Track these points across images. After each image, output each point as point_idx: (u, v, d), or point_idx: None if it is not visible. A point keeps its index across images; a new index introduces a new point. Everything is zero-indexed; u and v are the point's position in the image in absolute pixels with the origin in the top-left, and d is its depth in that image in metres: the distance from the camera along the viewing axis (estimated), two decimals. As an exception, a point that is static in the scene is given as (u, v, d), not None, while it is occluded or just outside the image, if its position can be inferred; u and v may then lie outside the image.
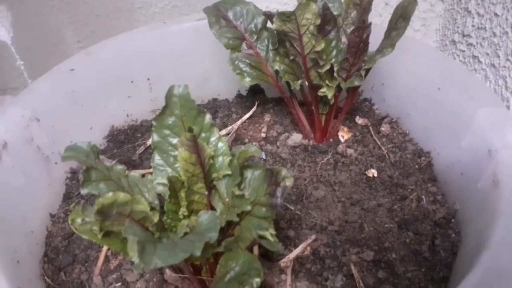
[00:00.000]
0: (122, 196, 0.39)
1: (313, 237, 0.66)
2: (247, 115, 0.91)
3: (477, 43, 0.80)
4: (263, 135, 0.87)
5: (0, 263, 0.51)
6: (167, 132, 0.51)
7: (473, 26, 0.81)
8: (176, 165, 0.53)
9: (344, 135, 0.83)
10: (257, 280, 0.43)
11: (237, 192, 0.47)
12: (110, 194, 0.38)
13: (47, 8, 1.14)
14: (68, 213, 0.75)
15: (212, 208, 0.54)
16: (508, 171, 0.56)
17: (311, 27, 0.63)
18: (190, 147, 0.45)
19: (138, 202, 0.40)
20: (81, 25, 1.17)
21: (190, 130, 0.43)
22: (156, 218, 0.42)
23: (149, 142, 0.87)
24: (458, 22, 0.86)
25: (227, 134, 0.88)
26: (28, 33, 1.15)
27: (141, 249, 0.36)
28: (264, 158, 0.82)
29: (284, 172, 0.45)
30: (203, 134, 0.52)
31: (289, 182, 0.45)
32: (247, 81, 0.77)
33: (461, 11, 0.85)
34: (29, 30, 1.15)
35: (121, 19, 1.18)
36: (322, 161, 0.79)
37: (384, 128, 0.84)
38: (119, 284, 0.63)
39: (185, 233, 0.46)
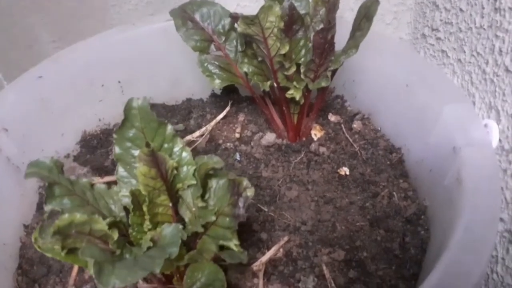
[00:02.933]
0: (78, 217, 0.39)
1: (285, 238, 0.67)
2: (221, 116, 0.91)
3: (445, 37, 0.80)
4: (237, 135, 0.87)
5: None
6: (128, 144, 0.51)
7: (441, 20, 0.81)
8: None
9: (316, 133, 0.84)
10: (221, 291, 0.44)
11: (200, 204, 0.47)
12: (66, 215, 0.38)
13: (19, 8, 1.12)
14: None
15: (180, 218, 0.54)
16: (470, 169, 0.57)
17: (275, 30, 0.63)
18: (148, 162, 0.45)
19: (96, 222, 0.40)
20: (55, 25, 1.15)
21: (147, 145, 0.43)
22: (115, 236, 0.42)
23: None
24: (428, 16, 0.87)
25: (201, 135, 0.87)
26: (2, 35, 1.13)
27: (98, 270, 0.36)
28: (239, 159, 0.82)
29: (245, 182, 0.46)
30: (165, 145, 0.52)
31: (250, 193, 0.45)
32: (217, 83, 0.76)
33: (430, 5, 0.85)
34: (2, 32, 1.13)
35: (95, 18, 1.16)
36: (295, 161, 0.80)
37: (356, 124, 0.84)
38: (93, 294, 0.64)
39: (149, 247, 0.46)
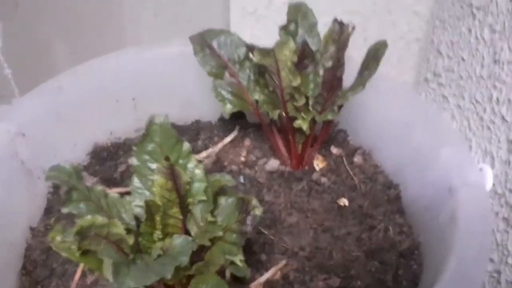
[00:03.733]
0: (100, 219, 0.41)
1: (283, 262, 0.69)
2: (228, 139, 0.94)
3: (446, 83, 0.85)
4: (242, 159, 0.90)
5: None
6: (146, 157, 0.54)
7: (443, 67, 0.86)
8: (154, 189, 0.55)
9: (319, 163, 0.87)
10: (224, 303, 0.46)
11: (210, 219, 0.50)
12: (89, 217, 0.41)
13: (38, 22, 1.17)
14: (49, 227, 0.76)
15: (187, 231, 0.57)
16: (464, 209, 0.60)
17: (289, 63, 0.67)
18: (166, 174, 0.48)
19: (115, 226, 0.43)
20: (71, 38, 1.19)
21: (167, 158, 0.46)
22: (131, 241, 0.45)
23: (130, 160, 0.89)
24: (431, 61, 0.92)
25: (208, 156, 0.90)
26: (18, 43, 1.17)
27: (115, 271, 0.39)
28: (243, 182, 0.85)
29: (254, 202, 0.49)
30: (181, 161, 0.55)
31: (258, 212, 0.48)
32: (229, 108, 0.80)
33: (434, 52, 0.90)
34: (19, 41, 1.17)
35: (112, 35, 1.20)
36: (297, 188, 0.82)
37: (357, 159, 0.88)
38: (94, 299, 0.65)
39: (159, 255, 0.48)
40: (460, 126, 0.81)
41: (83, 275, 0.69)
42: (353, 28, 0.73)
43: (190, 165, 0.55)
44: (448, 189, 0.65)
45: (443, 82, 0.87)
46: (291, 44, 0.65)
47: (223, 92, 0.80)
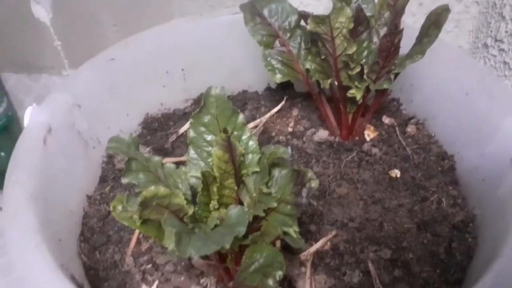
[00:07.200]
0: (162, 190, 0.43)
1: (333, 232, 0.69)
2: (276, 109, 0.93)
3: (509, 49, 0.80)
4: (290, 129, 0.89)
5: (45, 240, 0.56)
6: (202, 129, 0.55)
7: (506, 32, 0.81)
8: (209, 160, 0.56)
9: (370, 133, 0.85)
10: (280, 273, 0.46)
11: (265, 190, 0.50)
12: (152, 188, 0.42)
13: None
14: (104, 195, 0.80)
15: (240, 201, 0.57)
16: (527, 182, 0.57)
17: (344, 30, 0.65)
18: (224, 147, 0.48)
19: (176, 196, 0.44)
20: (117, 10, 1.20)
21: (225, 131, 0.47)
22: (190, 211, 0.46)
23: (181, 130, 0.91)
24: (492, 26, 0.87)
25: (255, 126, 0.91)
26: (66, 15, 1.20)
27: (178, 240, 0.40)
28: (290, 153, 0.85)
29: (310, 174, 0.48)
30: (235, 133, 0.55)
31: (314, 184, 0.48)
32: (278, 78, 0.79)
33: (495, 16, 0.85)
34: (67, 13, 1.20)
35: (156, 6, 1.20)
36: (347, 159, 0.81)
37: (410, 129, 0.85)
38: (150, 265, 0.68)
39: (215, 225, 0.50)
40: (523, 95, 0.76)
41: (138, 242, 0.71)
42: (410, -6, 0.70)
43: (244, 137, 0.56)
44: (510, 161, 0.62)
45: (505, 48, 0.82)
46: (347, 11, 0.63)
47: (273, 62, 0.79)
